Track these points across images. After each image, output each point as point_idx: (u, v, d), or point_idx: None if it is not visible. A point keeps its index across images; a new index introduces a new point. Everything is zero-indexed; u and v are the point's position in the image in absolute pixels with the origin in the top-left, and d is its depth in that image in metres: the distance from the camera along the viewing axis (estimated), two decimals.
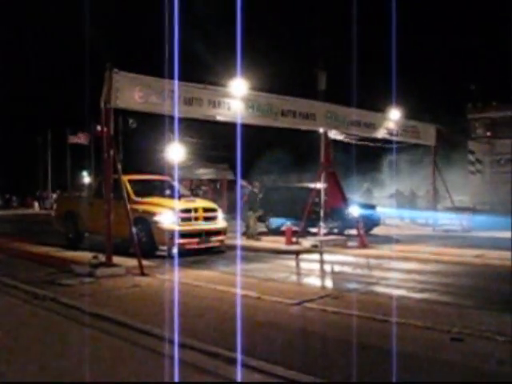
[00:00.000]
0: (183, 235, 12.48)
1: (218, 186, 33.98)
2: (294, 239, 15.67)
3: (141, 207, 12.80)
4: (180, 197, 13.92)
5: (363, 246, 15.10)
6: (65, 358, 5.11)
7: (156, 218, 12.51)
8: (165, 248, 12.68)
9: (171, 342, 5.28)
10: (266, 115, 13.82)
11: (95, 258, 10.18)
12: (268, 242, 16.20)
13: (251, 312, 6.94)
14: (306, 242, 15.39)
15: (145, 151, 36.55)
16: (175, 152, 23.48)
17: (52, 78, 59.10)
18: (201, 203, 13.83)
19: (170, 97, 11.17)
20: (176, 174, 14.80)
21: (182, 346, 5.24)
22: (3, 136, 50.57)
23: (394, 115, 17.60)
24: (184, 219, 12.75)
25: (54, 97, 56.61)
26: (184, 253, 12.29)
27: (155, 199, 13.35)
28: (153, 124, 32.01)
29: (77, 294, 8.11)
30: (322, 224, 16.03)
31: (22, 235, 19.61)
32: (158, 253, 12.76)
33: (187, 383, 4.44)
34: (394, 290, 8.74)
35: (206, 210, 13.42)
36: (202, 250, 13.09)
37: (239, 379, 4.47)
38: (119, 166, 10.79)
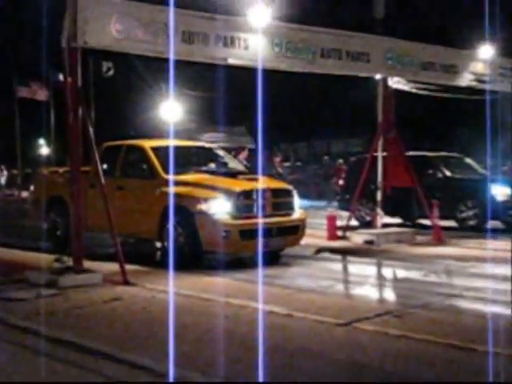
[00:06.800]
0: (244, 233, 11.80)
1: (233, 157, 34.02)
2: (339, 233, 15.76)
3: (177, 190, 11.81)
4: (235, 174, 13.20)
5: (439, 241, 15.10)
6: None
7: (202, 207, 11.68)
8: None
9: (166, 376, 5.34)
10: (300, 56, 13.67)
11: (58, 260, 10.22)
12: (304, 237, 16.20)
13: (279, 336, 6.98)
14: (357, 237, 15.43)
15: (126, 109, 36.59)
16: (169, 110, 23.48)
17: None
18: (268, 183, 12.97)
19: (163, 31, 11.12)
20: (171, 141, 14.18)
21: None
22: None
23: (486, 53, 17.31)
24: (244, 208, 12.03)
25: None
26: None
27: (198, 177, 12.63)
28: (138, 71, 32.01)
29: (32, 313, 8.15)
30: (378, 211, 16.10)
31: None
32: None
33: None
34: (484, 305, 8.74)
35: (276, 193, 12.74)
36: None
37: None
38: (91, 131, 10.78)
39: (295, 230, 12.67)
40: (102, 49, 11.17)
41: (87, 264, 10.64)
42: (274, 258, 12.77)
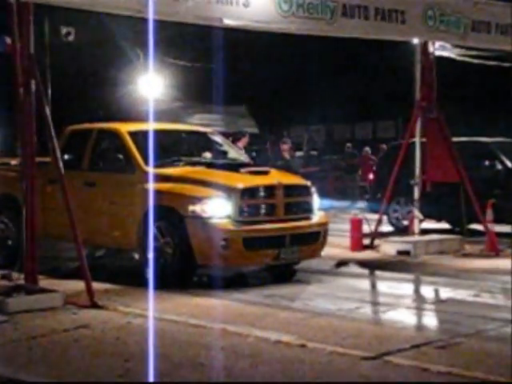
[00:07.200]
0: (249, 242, 11.78)
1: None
2: (365, 241, 15.83)
3: (162, 187, 12.09)
4: (237, 166, 13.16)
5: (494, 252, 15.06)
6: None
7: (196, 208, 11.68)
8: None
9: None
10: (315, 15, 13.61)
11: (6, 277, 10.21)
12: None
13: (289, 373, 6.93)
14: (389, 246, 15.49)
15: (94, 84, 36.52)
16: (149, 84, 23.49)
17: None
18: (280, 178, 12.96)
19: None
20: (154, 124, 13.98)
21: None
22: None
23: None
24: (249, 210, 12.06)
25: None
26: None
27: (190, 170, 12.70)
28: (105, 35, 31.91)
29: None
30: (416, 212, 16.07)
31: None
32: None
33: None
34: None
35: (290, 190, 12.66)
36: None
37: None
38: (47, 110, 10.72)
39: (314, 238, 12.62)
40: (60, 5, 11.03)
41: (44, 282, 10.64)
42: (286, 274, 12.82)
